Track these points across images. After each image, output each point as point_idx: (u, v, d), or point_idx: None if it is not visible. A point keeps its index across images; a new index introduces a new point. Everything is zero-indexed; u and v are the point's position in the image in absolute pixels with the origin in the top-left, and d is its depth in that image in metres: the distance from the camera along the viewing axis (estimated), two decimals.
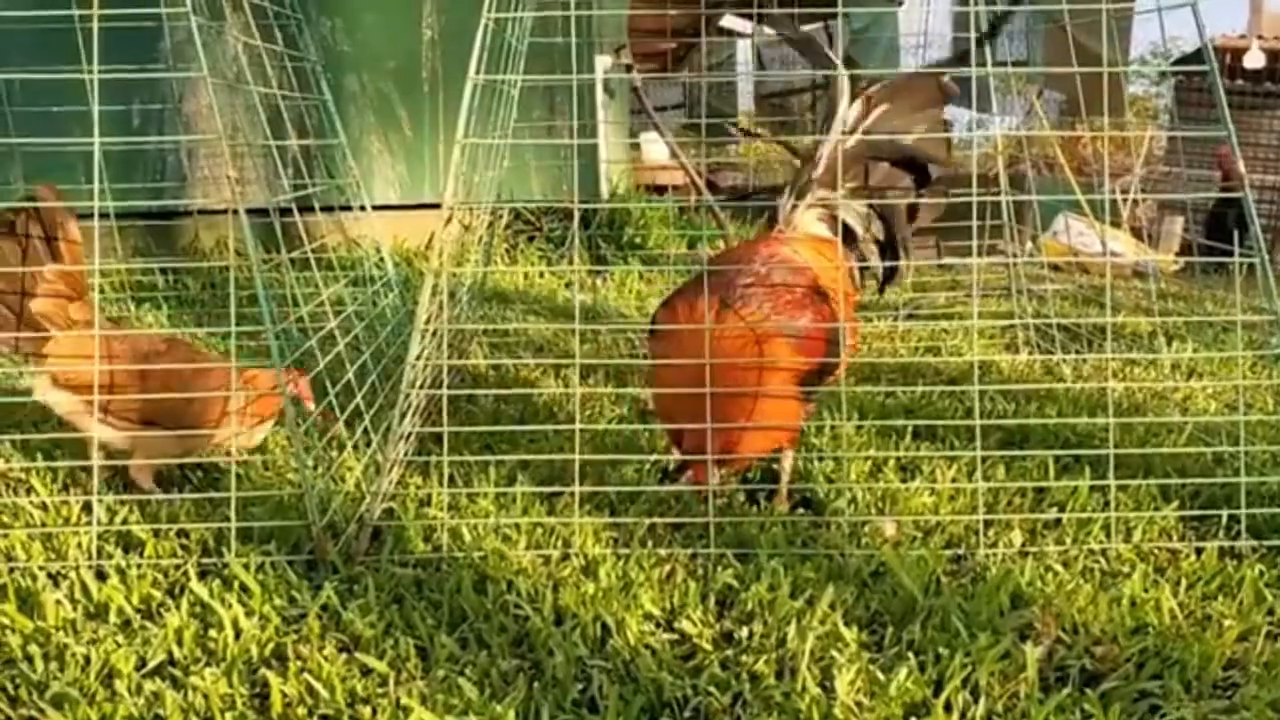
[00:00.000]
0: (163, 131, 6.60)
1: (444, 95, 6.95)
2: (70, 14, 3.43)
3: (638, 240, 7.31)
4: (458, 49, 6.94)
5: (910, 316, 5.30)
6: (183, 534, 2.72)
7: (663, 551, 2.62)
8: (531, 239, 7.15)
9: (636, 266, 6.48)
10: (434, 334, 2.90)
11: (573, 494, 2.83)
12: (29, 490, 3.02)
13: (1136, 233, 10.06)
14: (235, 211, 2.68)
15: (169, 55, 6.41)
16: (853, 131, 3.11)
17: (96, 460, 2.93)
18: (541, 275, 6.55)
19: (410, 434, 2.95)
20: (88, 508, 2.86)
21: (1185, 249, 10.19)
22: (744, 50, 19.74)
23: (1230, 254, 8.62)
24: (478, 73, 2.79)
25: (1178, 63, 13.94)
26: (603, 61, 7.22)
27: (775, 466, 3.00)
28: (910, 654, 2.16)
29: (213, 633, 2.28)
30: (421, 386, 2.95)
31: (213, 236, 6.78)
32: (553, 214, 7.15)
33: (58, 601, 2.38)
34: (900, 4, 17.59)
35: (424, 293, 2.74)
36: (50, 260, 2.91)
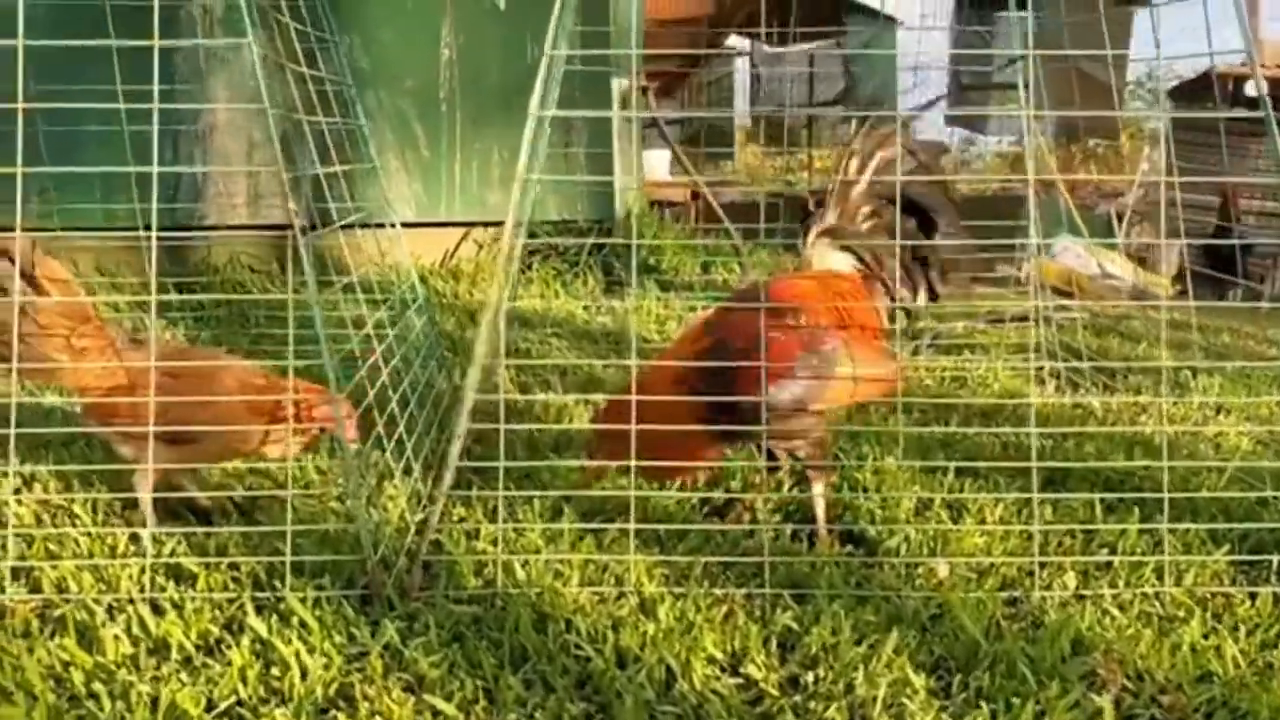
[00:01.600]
0: (178, 149, 6.59)
1: (461, 114, 6.95)
2: (110, 40, 3.42)
3: (652, 262, 7.31)
4: (476, 69, 6.95)
5: (929, 346, 5.30)
6: (232, 566, 2.71)
7: (719, 591, 2.62)
8: (547, 258, 7.15)
9: (655, 291, 6.48)
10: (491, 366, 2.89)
11: (620, 529, 2.85)
12: (72, 518, 3.01)
13: (1132, 256, 10.10)
14: (293, 231, 2.68)
15: (187, 74, 6.43)
16: (861, 169, 3.15)
17: (149, 492, 2.93)
18: (555, 296, 6.55)
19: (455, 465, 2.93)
20: (134, 538, 2.85)
21: (1181, 273, 10.20)
22: (743, 69, 19.84)
23: (1227, 281, 8.62)
24: (543, 107, 2.77)
25: (1178, 90, 14.01)
26: (618, 85, 7.23)
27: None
28: (982, 702, 2.16)
29: (275, 670, 2.27)
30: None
31: (226, 253, 6.76)
32: (567, 234, 7.16)
33: (116, 636, 2.36)
34: (900, 23, 17.70)
35: (482, 325, 2.73)
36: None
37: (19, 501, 3.06)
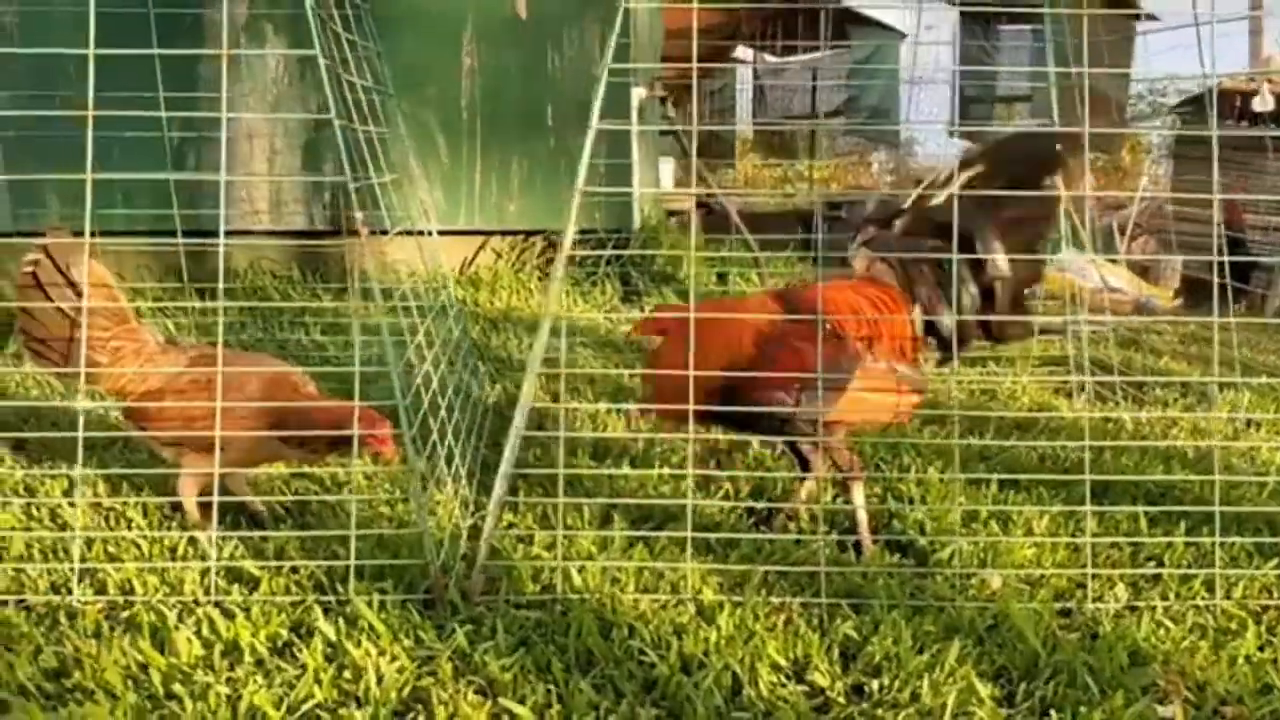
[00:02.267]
0: (200, 156, 6.60)
1: (482, 124, 6.98)
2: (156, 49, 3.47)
3: (668, 270, 7.34)
4: (497, 78, 6.98)
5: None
6: (293, 570, 2.73)
7: (775, 599, 2.65)
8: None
9: (674, 300, 6.51)
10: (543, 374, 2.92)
11: (669, 537, 2.89)
12: (126, 521, 3.03)
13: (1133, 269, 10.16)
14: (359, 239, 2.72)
15: (212, 81, 6.44)
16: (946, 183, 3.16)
17: (194, 495, 2.96)
18: (575, 304, 6.59)
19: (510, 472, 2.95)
20: (192, 540, 2.88)
21: (1185, 285, 10.28)
22: (745, 79, 19.91)
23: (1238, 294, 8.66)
24: (601, 119, 2.81)
25: (1184, 104, 14.09)
26: (637, 93, 7.27)
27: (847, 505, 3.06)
28: (1050, 711, 2.19)
29: (347, 674, 2.30)
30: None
31: (246, 258, 6.79)
32: (584, 243, 7.20)
33: (189, 638, 2.39)
34: (903, 36, 17.78)
35: (540, 335, 2.76)
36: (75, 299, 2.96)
37: (71, 504, 3.09)
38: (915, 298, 3.14)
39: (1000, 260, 3.09)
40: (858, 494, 3.03)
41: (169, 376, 2.94)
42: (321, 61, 2.74)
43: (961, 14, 18.34)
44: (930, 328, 3.15)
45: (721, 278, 7.29)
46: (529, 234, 7.22)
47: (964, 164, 3.09)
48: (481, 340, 5.55)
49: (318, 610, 2.50)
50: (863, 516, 3.02)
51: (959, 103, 17.26)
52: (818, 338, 2.88)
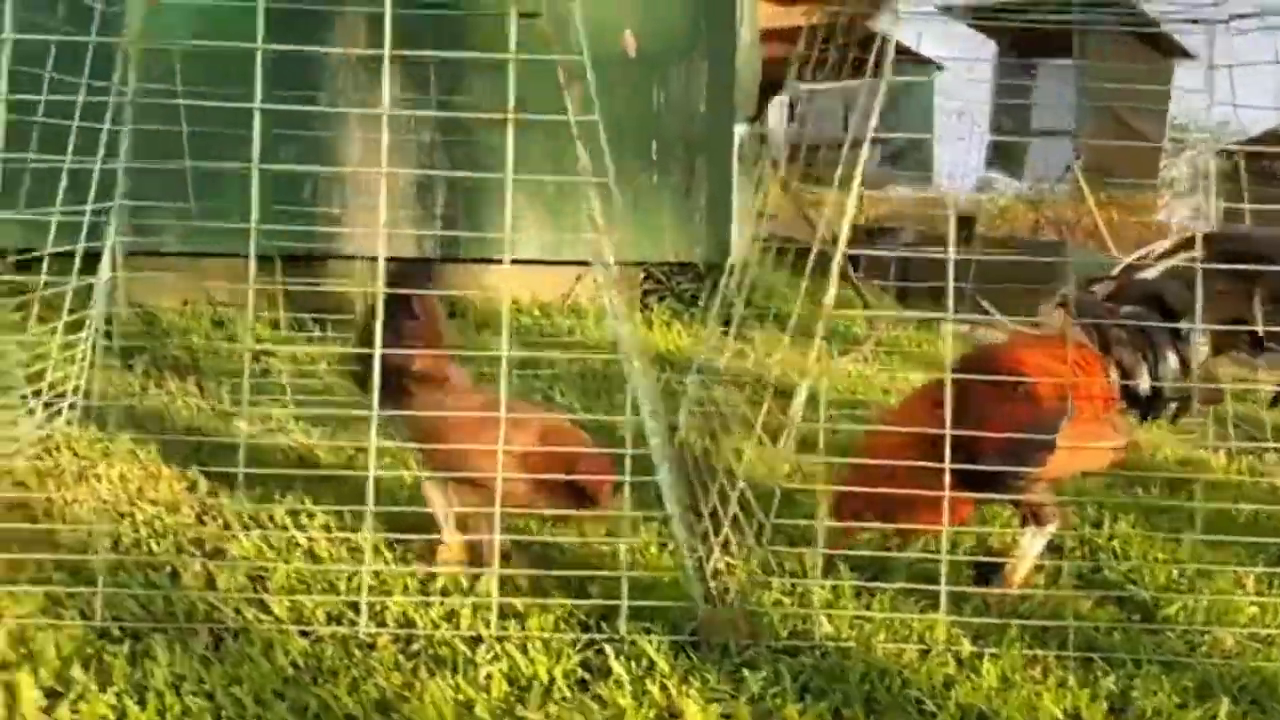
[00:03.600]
0: (318, 182, 6.70)
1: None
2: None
3: (764, 301, 7.45)
4: (603, 113, 7.09)
5: None
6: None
7: (1028, 653, 2.77)
8: (662, 298, 7.32)
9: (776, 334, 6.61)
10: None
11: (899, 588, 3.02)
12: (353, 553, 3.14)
13: None
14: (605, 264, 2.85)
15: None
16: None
17: (496, 535, 3.06)
18: (679, 337, 6.71)
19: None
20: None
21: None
22: (776, 105, 20.05)
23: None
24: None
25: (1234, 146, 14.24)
26: (740, 130, 7.41)
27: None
28: None
29: (653, 714, 2.41)
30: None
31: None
32: (684, 273, 7.34)
33: (494, 674, 2.50)
34: (939, 69, 17.95)
35: (798, 398, 2.89)
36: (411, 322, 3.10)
37: (311, 540, 3.21)
38: (1114, 359, 3.28)
39: (1203, 344, 3.25)
40: (1048, 529, 3.18)
41: (454, 417, 3.04)
42: (599, 123, 2.88)
43: (1000, 48, 18.57)
44: (1126, 390, 3.30)
45: None
46: (628, 265, 7.35)
47: (1183, 244, 3.25)
48: (604, 370, 5.65)
49: (606, 648, 2.62)
50: (1034, 550, 3.18)
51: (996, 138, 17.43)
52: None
